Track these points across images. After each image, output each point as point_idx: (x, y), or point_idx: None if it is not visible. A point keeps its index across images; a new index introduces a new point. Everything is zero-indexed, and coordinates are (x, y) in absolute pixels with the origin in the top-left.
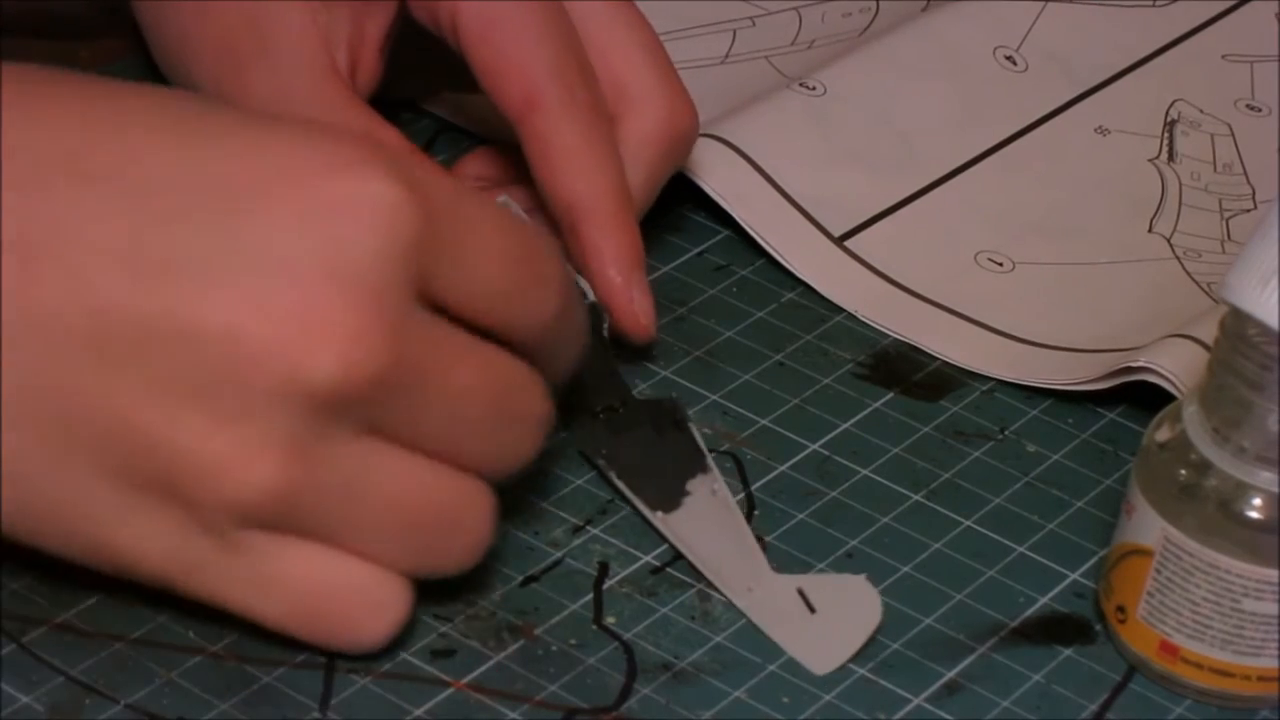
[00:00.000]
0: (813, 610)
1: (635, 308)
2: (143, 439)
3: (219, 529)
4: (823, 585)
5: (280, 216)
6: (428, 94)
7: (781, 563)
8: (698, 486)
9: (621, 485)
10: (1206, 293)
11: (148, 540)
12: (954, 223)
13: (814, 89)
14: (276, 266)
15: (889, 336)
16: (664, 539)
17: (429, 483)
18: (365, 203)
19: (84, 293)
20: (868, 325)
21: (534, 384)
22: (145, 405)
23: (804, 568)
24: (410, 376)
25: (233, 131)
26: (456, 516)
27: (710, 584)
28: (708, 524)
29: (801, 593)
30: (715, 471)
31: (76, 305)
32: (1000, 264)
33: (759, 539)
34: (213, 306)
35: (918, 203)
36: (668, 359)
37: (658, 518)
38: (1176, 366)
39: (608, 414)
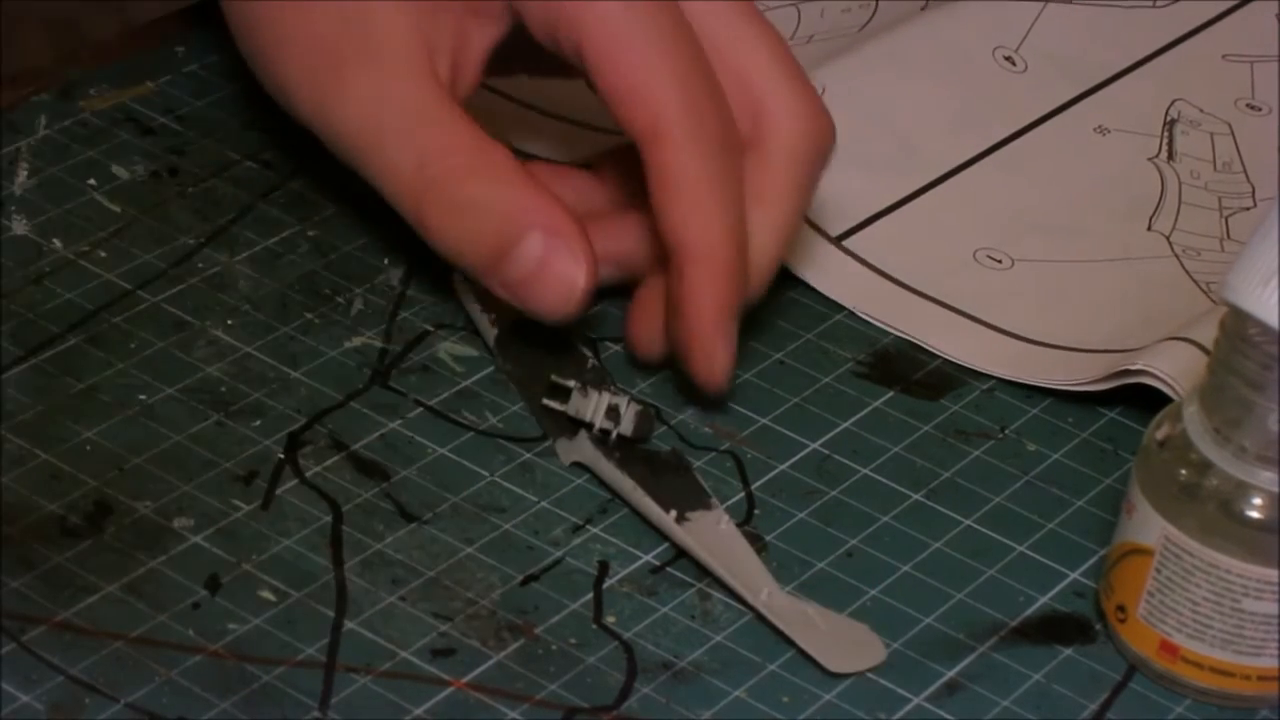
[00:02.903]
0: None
1: (713, 360)
2: None
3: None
4: (829, 618)
5: None
6: (501, 76)
7: (781, 562)
8: (702, 517)
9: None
10: (1205, 292)
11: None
12: (953, 221)
13: None
14: None
15: (889, 335)
16: (668, 539)
17: None
18: None
19: None
20: (868, 324)
21: None
22: None
23: (804, 568)
24: None
25: None
26: None
27: (712, 584)
28: (716, 540)
29: (808, 614)
30: (721, 510)
31: None
32: (999, 261)
33: (759, 548)
34: None
35: (916, 202)
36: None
37: (670, 516)
38: (1175, 370)
39: (604, 435)
